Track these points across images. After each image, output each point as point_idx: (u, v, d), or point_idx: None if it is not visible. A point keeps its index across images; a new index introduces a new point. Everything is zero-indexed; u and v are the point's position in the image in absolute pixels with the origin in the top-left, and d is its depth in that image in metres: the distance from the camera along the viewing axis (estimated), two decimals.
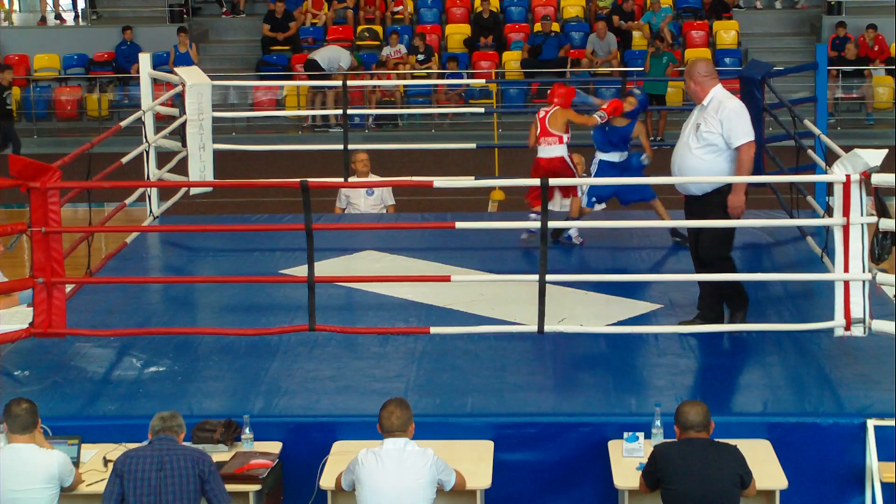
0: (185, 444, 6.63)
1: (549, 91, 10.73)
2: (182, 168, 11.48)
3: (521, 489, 7.30)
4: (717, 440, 6.61)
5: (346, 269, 10.06)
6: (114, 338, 8.57)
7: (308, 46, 22.97)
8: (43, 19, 24.82)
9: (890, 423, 7.15)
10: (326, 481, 6.91)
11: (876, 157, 7.52)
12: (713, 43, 23.22)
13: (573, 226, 10.31)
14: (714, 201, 8.34)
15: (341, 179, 11.94)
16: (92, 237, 9.28)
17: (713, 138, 8.30)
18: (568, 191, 10.40)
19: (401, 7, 24.04)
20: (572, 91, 10.64)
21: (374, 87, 21.58)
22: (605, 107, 10.49)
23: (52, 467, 6.63)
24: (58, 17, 24.86)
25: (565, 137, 10.41)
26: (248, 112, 21.44)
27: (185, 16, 24.01)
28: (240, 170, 18.09)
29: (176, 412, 6.67)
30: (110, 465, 6.84)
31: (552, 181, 8.31)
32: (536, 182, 7.88)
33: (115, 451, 7.07)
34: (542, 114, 10.53)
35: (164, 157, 11.70)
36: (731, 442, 6.66)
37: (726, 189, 8.28)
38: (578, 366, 8.11)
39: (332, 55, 22.12)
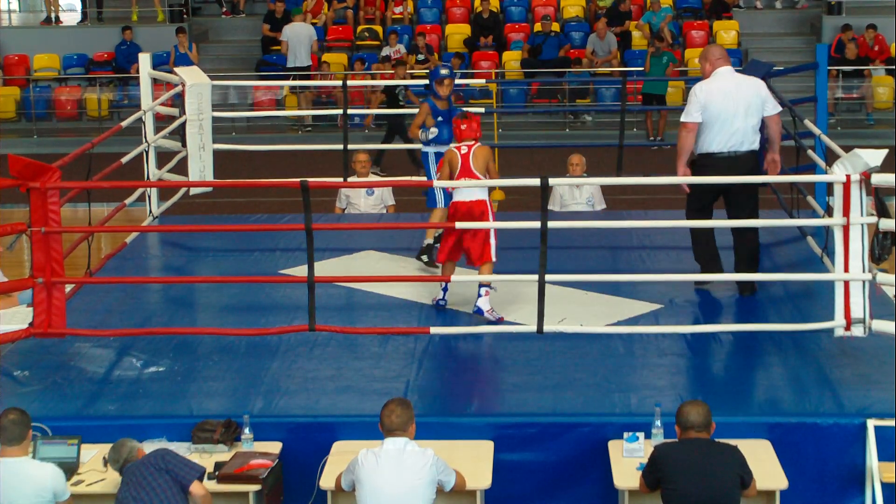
0: (145, 457, 6.55)
1: None
2: (182, 168, 11.48)
3: (521, 489, 7.30)
4: (717, 440, 6.60)
5: (346, 269, 10.06)
6: (114, 338, 8.56)
7: None
8: (47, 19, 24.79)
9: (890, 423, 7.14)
10: (326, 481, 6.91)
11: (876, 157, 7.51)
12: (713, 43, 23.21)
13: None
14: None
15: (341, 179, 11.95)
16: (92, 237, 9.28)
17: None
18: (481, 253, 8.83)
19: (401, 7, 24.03)
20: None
21: (374, 87, 21.55)
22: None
23: (43, 480, 6.47)
24: (48, 18, 24.76)
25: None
26: (248, 112, 21.43)
27: (185, 16, 24.01)
28: (240, 170, 18.11)
29: (122, 440, 6.66)
30: (110, 466, 6.84)
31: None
32: (536, 182, 7.75)
33: None
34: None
35: (164, 157, 11.70)
36: (732, 442, 6.66)
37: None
38: (578, 366, 8.11)
39: (294, 45, 22.02)
